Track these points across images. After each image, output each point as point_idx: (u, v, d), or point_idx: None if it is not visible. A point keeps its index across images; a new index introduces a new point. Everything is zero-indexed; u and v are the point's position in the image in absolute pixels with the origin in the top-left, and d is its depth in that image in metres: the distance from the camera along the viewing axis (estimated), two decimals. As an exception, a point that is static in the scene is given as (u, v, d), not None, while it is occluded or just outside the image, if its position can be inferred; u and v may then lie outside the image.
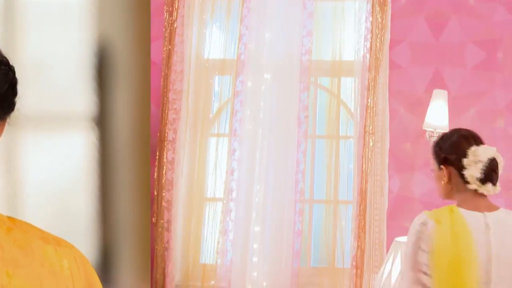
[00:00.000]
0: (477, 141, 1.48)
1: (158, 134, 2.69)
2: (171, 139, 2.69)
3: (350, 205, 2.72)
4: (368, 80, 2.70)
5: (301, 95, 2.72)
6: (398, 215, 2.69)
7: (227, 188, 2.69)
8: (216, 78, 2.83)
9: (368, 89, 2.70)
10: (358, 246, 2.64)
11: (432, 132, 2.65)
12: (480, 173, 1.40)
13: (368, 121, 2.68)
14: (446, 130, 2.41)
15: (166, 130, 2.69)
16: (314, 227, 2.79)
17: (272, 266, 2.67)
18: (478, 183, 1.41)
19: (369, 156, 2.67)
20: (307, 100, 2.72)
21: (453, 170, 1.45)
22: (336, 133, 2.75)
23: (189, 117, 2.75)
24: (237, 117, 2.71)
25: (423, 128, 2.69)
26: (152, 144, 2.74)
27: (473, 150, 1.43)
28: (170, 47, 2.72)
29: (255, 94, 2.71)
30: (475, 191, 1.43)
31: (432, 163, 1.54)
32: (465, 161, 1.42)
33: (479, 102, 2.76)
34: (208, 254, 2.74)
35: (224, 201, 2.68)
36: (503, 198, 2.70)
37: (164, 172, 2.68)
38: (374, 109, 2.70)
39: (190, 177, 2.76)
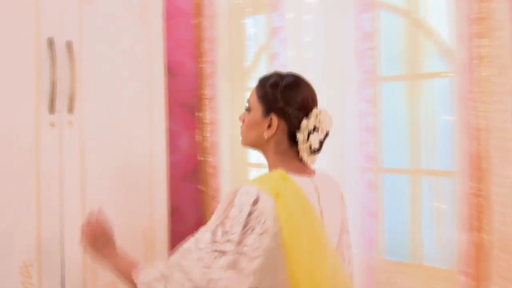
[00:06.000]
0: (316, 100, 1.23)
1: (196, 92, 2.33)
2: (209, 97, 2.30)
3: None
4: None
5: (359, 18, 1.95)
6: None
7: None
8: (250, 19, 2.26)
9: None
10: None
11: None
12: (318, 144, 1.19)
13: None
14: None
15: (204, 87, 2.30)
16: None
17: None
18: (309, 151, 1.19)
19: None
20: (368, 25, 1.94)
21: (284, 126, 1.20)
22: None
23: (225, 69, 2.30)
24: (279, 62, 2.12)
25: None
26: (189, 103, 2.41)
27: (316, 113, 1.19)
28: (198, -13, 2.28)
29: (298, 28, 2.05)
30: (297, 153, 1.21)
31: (253, 103, 1.24)
32: (304, 124, 1.18)
33: None
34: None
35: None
36: None
37: (207, 135, 2.32)
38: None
39: (232, 140, 2.33)
